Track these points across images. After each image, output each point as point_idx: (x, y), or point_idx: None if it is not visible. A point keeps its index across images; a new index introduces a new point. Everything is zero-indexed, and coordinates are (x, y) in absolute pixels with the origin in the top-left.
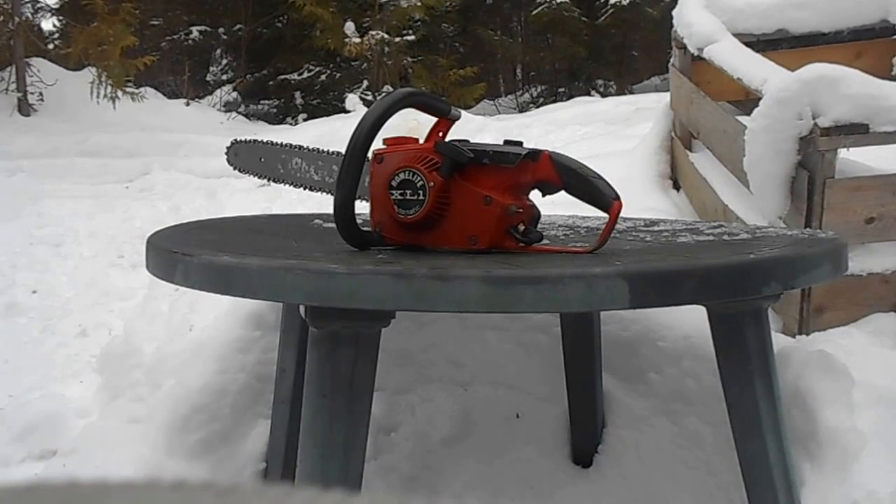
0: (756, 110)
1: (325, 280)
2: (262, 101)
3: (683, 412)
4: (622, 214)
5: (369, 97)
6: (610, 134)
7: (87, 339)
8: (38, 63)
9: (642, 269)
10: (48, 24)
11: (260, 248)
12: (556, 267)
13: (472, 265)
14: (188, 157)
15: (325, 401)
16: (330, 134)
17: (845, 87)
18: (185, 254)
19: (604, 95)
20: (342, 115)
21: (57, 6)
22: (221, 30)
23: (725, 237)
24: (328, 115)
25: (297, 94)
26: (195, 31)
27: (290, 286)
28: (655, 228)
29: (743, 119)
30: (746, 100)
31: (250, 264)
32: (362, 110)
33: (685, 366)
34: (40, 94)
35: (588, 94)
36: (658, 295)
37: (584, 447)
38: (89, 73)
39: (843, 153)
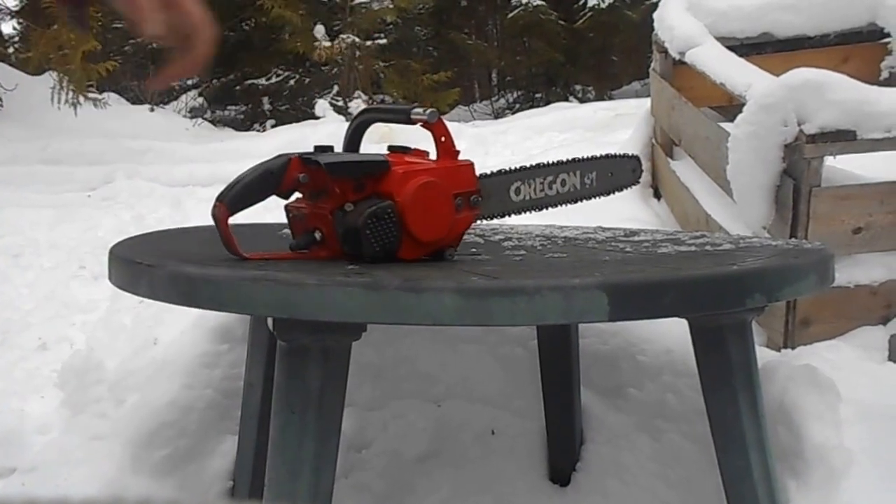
0: (740, 117)
1: (294, 291)
2: (228, 107)
3: (664, 428)
4: (602, 224)
5: (339, 103)
6: (589, 141)
7: (48, 353)
8: None
9: (622, 281)
10: (7, 27)
11: (226, 259)
12: (533, 278)
13: (447, 276)
14: (153, 164)
15: (294, 417)
16: (299, 140)
17: (832, 92)
18: (149, 265)
19: (582, 101)
20: (311, 121)
21: (16, 9)
22: None
23: (708, 248)
24: (297, 121)
25: (265, 100)
26: None
27: (258, 298)
28: (635, 239)
29: (726, 126)
30: (730, 106)
31: (217, 275)
32: (332, 116)
33: (666, 380)
34: (0, 99)
35: (566, 99)
36: (638, 307)
37: (562, 465)
38: (50, 78)
39: (829, 161)
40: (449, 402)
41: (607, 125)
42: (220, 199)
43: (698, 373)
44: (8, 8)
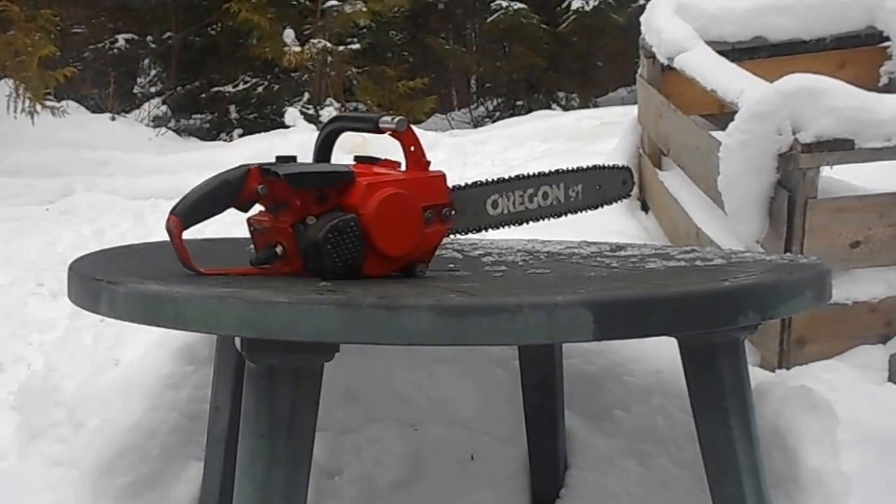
0: (731, 125)
1: (263, 310)
2: (193, 116)
3: (653, 453)
4: (587, 239)
5: (310, 111)
6: (573, 151)
7: (4, 375)
8: None
9: (608, 298)
10: None
11: (191, 276)
12: (514, 295)
13: (423, 294)
14: (114, 176)
15: (263, 441)
16: (268, 150)
17: (828, 99)
18: (110, 281)
19: (566, 109)
20: (281, 130)
21: None
22: (150, 38)
23: (698, 263)
24: (266, 130)
25: (232, 108)
26: (121, 39)
27: (225, 316)
28: (622, 254)
29: (717, 134)
30: (721, 113)
31: (181, 293)
32: (303, 125)
33: (655, 402)
34: None
35: (549, 107)
36: (625, 326)
37: (545, 491)
38: (6, 86)
39: (825, 171)
40: (426, 425)
41: (592, 134)
42: (174, 211)
43: (689, 394)
44: None
